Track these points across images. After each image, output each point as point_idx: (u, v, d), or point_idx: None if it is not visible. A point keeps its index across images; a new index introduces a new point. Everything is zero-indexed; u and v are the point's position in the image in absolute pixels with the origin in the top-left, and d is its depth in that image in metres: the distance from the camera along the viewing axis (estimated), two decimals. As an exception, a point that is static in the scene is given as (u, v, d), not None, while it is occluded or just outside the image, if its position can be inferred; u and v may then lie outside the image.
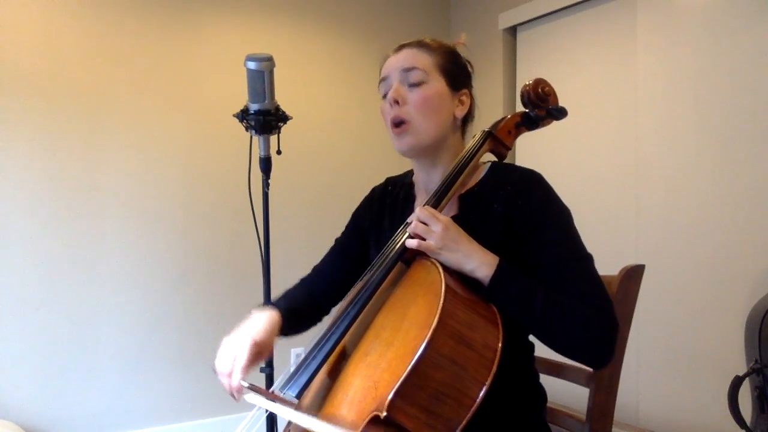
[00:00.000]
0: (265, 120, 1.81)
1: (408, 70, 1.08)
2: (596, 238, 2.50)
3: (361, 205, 1.31)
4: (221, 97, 2.61)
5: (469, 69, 1.17)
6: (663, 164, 2.31)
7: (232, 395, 0.96)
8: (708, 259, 2.14)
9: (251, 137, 1.89)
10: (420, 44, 1.11)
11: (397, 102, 1.07)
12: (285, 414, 0.87)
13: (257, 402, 0.90)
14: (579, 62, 2.67)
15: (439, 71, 1.09)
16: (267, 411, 0.92)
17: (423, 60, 1.09)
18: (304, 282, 1.30)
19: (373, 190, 1.30)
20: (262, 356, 1.02)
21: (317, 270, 1.31)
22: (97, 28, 2.42)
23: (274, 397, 0.89)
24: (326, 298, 1.27)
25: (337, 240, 1.32)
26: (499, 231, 1.02)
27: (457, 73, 1.12)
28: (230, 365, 0.96)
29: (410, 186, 1.21)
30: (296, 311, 1.19)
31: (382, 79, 1.12)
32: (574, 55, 2.70)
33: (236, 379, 0.95)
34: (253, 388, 0.92)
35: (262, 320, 1.06)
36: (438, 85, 1.08)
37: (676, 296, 2.23)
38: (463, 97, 1.13)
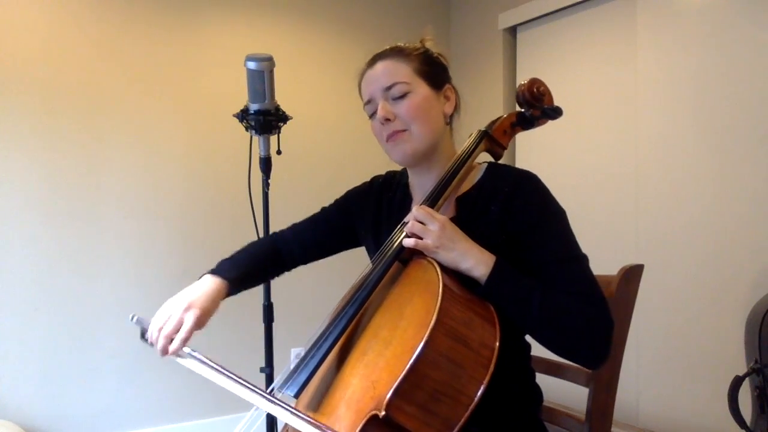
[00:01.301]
0: (265, 120, 1.82)
1: (389, 87, 1.07)
2: (596, 238, 2.51)
3: (358, 188, 1.31)
4: (221, 97, 2.61)
5: (444, 62, 1.16)
6: (663, 164, 2.31)
7: (161, 352, 0.99)
8: (708, 259, 2.14)
9: (251, 137, 1.90)
10: (393, 52, 1.11)
11: (388, 119, 1.07)
12: (225, 384, 0.88)
13: (193, 367, 0.93)
14: (579, 62, 2.67)
15: (419, 76, 1.09)
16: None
17: (400, 71, 1.08)
18: (276, 238, 1.32)
19: (374, 179, 1.31)
20: (202, 327, 1.05)
21: (294, 230, 1.32)
22: (97, 28, 2.42)
23: (215, 365, 0.90)
24: (292, 258, 1.30)
25: (323, 209, 1.34)
26: (496, 232, 1.02)
27: (435, 72, 1.12)
28: (171, 328, 0.99)
29: (406, 186, 1.21)
30: (249, 275, 1.21)
31: (367, 102, 1.12)
32: (574, 55, 2.70)
33: (176, 345, 0.98)
34: (195, 356, 0.95)
35: (209, 290, 1.10)
36: (422, 90, 1.08)
37: (675, 296, 2.23)
38: (448, 93, 1.14)
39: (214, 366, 0.91)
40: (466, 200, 1.09)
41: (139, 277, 2.47)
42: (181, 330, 0.99)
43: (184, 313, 1.02)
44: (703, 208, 2.16)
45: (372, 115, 1.12)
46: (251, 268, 1.23)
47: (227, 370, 0.90)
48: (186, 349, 0.98)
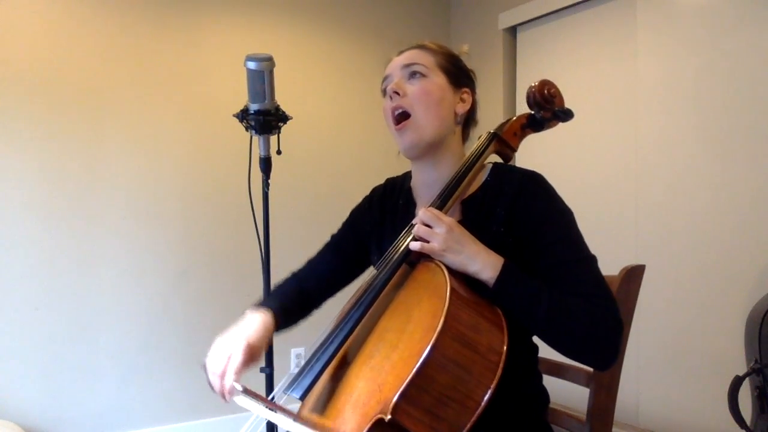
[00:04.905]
0: (265, 120, 1.81)
1: (409, 65, 1.09)
2: (596, 238, 2.48)
3: (360, 205, 1.30)
4: (221, 97, 2.60)
5: (471, 75, 1.17)
6: (663, 164, 2.32)
7: (222, 396, 0.95)
8: (708, 259, 2.15)
9: (251, 137, 1.89)
10: (421, 46, 1.14)
11: (397, 93, 1.07)
12: (281, 422, 0.85)
13: (249, 407, 0.88)
14: (579, 62, 2.67)
15: (439, 68, 1.11)
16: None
17: (424, 57, 1.11)
18: (296, 276, 1.30)
19: (374, 191, 1.30)
20: (256, 359, 1.02)
21: (311, 265, 1.31)
22: (97, 28, 2.41)
23: (272, 406, 0.88)
24: (317, 293, 1.28)
25: (332, 236, 1.32)
26: (502, 234, 1.02)
27: (457, 72, 1.13)
28: (223, 365, 0.96)
29: (409, 191, 1.20)
30: (287, 309, 1.19)
31: (385, 78, 1.14)
32: (574, 55, 2.70)
33: (229, 380, 0.94)
34: (248, 392, 0.91)
35: (256, 322, 1.06)
36: (438, 79, 1.09)
37: (676, 296, 2.23)
38: (465, 95, 1.14)
39: (270, 404, 0.87)
40: (472, 202, 1.08)
41: (139, 276, 2.46)
42: (230, 364, 0.95)
43: (231, 348, 0.97)
44: (704, 208, 2.17)
45: (385, 92, 1.12)
46: (289, 304, 1.20)
47: (283, 408, 0.87)
48: (237, 386, 0.93)
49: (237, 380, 0.94)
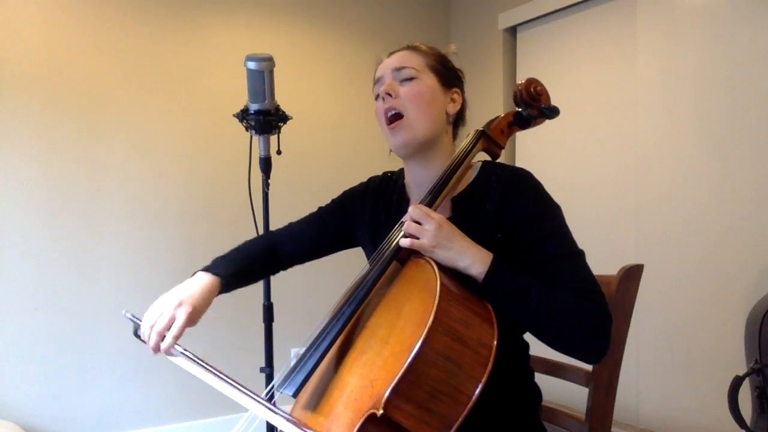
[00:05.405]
0: (265, 120, 1.82)
1: (399, 68, 1.11)
2: (596, 238, 2.51)
3: (355, 189, 1.32)
4: (221, 97, 2.61)
5: (460, 75, 1.19)
6: (663, 164, 2.31)
7: (155, 351, 1.00)
8: (708, 259, 2.14)
9: (251, 137, 1.90)
10: (410, 47, 1.16)
11: (389, 95, 1.09)
12: (212, 382, 0.88)
13: (184, 366, 0.92)
14: (579, 62, 2.67)
15: (429, 69, 1.12)
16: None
17: (414, 59, 1.12)
18: (271, 237, 1.33)
19: (370, 180, 1.31)
20: (194, 323, 1.05)
21: (290, 230, 1.33)
22: (98, 28, 2.43)
23: (209, 367, 0.90)
24: (289, 258, 1.30)
25: (319, 209, 1.34)
26: (492, 231, 1.03)
27: (447, 73, 1.15)
28: (163, 324, 1.00)
29: (402, 188, 1.22)
30: (239, 273, 1.19)
31: (376, 81, 1.16)
32: (574, 55, 2.70)
33: (167, 343, 0.98)
34: (186, 354, 0.95)
35: (202, 286, 1.09)
36: (429, 80, 1.11)
37: (675, 296, 2.23)
38: (455, 96, 1.16)
39: (205, 365, 0.91)
40: (462, 200, 1.09)
41: (138, 276, 2.47)
42: (172, 327, 1.00)
43: (175, 310, 1.02)
44: (703, 208, 2.16)
45: (378, 97, 1.14)
46: (246, 266, 1.22)
47: (217, 370, 0.90)
48: (178, 348, 0.98)
49: (174, 344, 0.99)
